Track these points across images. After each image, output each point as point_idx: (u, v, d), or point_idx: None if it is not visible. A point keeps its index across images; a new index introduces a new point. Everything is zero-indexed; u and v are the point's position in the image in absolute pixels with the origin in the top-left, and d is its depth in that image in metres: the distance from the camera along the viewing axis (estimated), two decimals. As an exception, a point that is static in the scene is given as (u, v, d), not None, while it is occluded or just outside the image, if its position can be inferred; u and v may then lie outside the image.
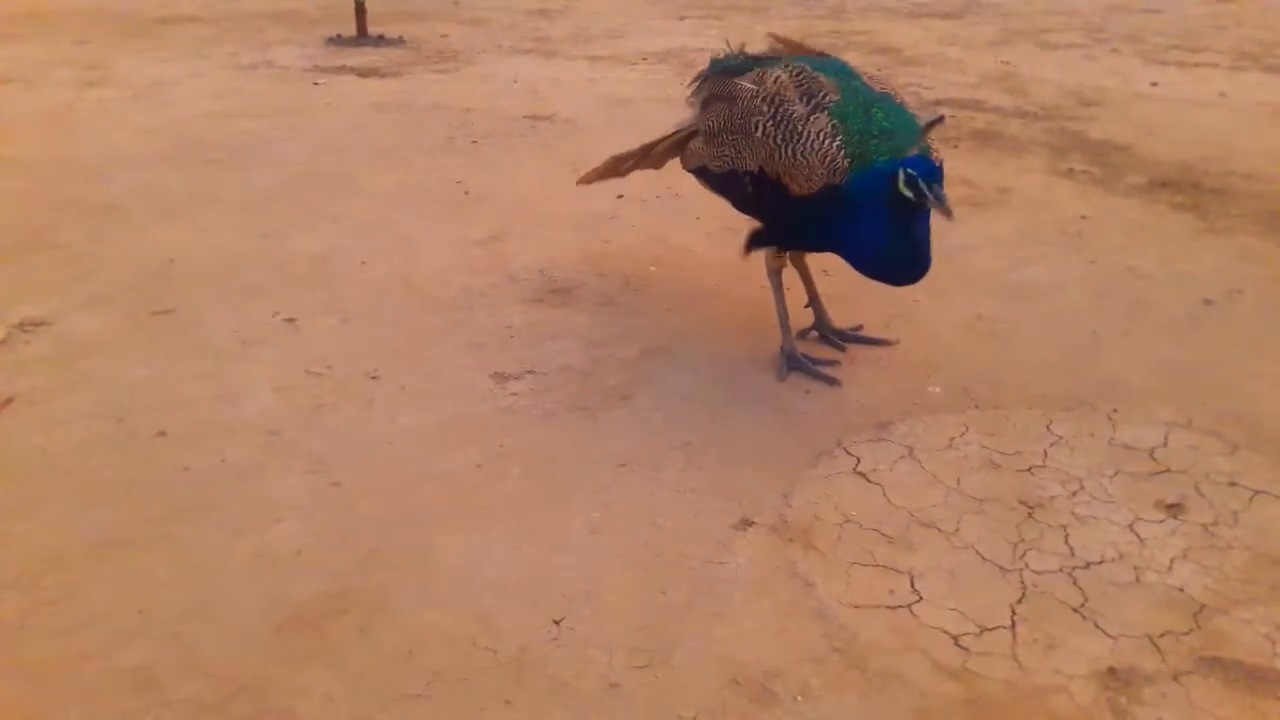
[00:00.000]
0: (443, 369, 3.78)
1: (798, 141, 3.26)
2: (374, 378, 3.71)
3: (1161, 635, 2.51)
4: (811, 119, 3.25)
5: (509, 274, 4.63)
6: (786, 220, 3.52)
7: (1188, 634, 2.52)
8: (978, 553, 2.82)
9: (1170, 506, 3.00)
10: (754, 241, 3.74)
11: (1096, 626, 2.55)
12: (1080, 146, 6.64)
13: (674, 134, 4.04)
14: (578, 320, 4.20)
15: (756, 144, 3.40)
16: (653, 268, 4.71)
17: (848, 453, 3.29)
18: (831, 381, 3.69)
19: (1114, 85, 8.18)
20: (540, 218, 5.33)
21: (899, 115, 3.34)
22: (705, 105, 3.81)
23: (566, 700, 2.33)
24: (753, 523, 2.95)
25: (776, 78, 3.42)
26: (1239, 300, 4.37)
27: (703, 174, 3.87)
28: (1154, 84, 8.09)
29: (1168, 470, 3.16)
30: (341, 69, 8.55)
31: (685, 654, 2.46)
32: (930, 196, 2.96)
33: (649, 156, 4.19)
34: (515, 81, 8.24)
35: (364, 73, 8.43)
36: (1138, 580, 2.71)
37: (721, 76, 3.75)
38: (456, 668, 2.42)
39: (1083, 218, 5.36)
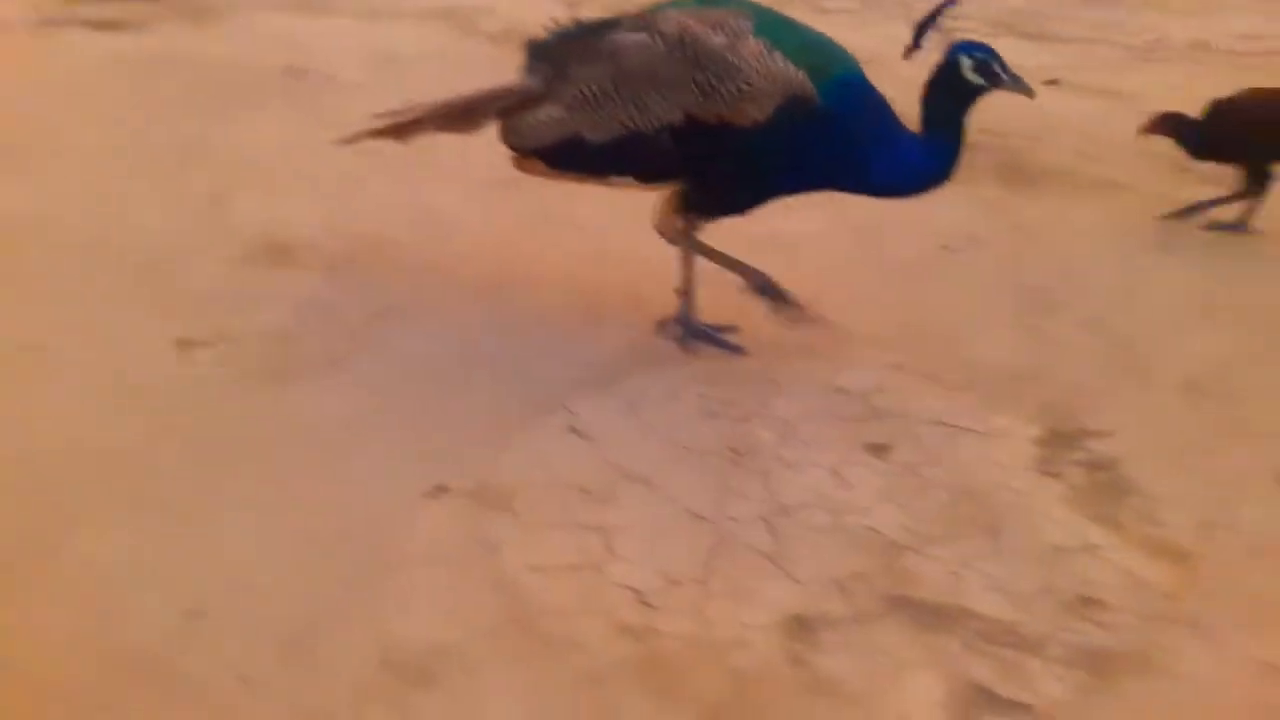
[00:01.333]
0: (121, 337, 3.38)
1: (734, 72, 2.92)
2: (38, 349, 3.27)
3: (851, 578, 2.45)
4: (739, 44, 2.94)
5: (227, 234, 4.21)
6: (737, 165, 3.10)
7: (876, 575, 2.47)
8: (681, 504, 2.70)
9: (877, 448, 2.96)
10: (688, 207, 3.31)
11: (787, 574, 2.46)
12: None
13: (496, 93, 3.40)
14: (299, 283, 3.85)
15: (674, 92, 3.00)
16: (396, 229, 4.39)
17: (569, 410, 3.11)
18: (736, 350, 3.46)
19: (885, 50, 8.33)
20: (278, 176, 4.91)
21: (807, 30, 3.09)
22: (564, 72, 3.23)
23: (192, 701, 2.06)
24: (448, 489, 2.73)
25: (670, 19, 3.04)
26: (973, 248, 4.44)
27: (563, 150, 3.27)
28: (916, 48, 8.29)
29: (880, 413, 3.13)
30: (75, 21, 7.74)
31: (339, 639, 2.23)
32: (1007, 76, 2.83)
33: (462, 118, 3.46)
34: (274, 36, 7.67)
35: (101, 26, 7.66)
36: (835, 524, 2.65)
37: (581, 38, 3.27)
38: (69, 672, 2.10)
39: (838, 171, 5.37)
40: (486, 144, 3.53)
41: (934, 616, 2.35)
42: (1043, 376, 3.35)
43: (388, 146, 4.13)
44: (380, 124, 3.58)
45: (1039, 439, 3.00)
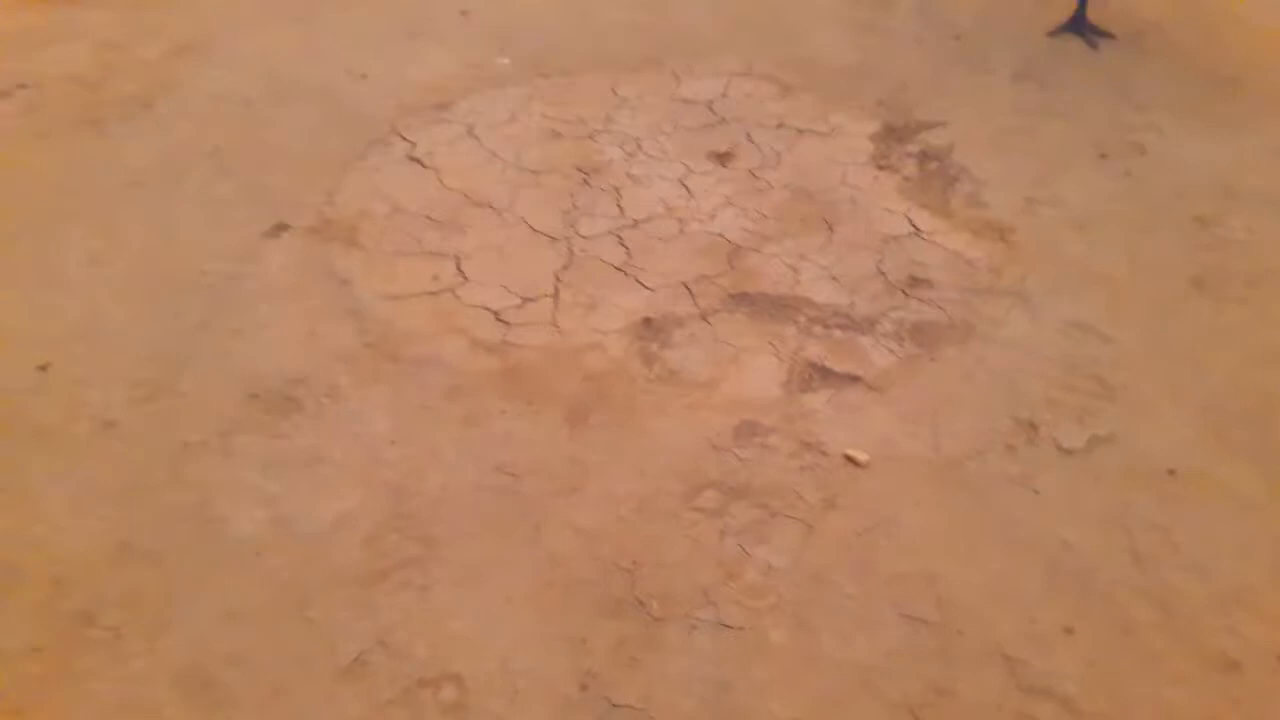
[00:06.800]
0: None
1: None
2: None
3: (697, 280, 2.55)
4: None
5: (-1, -30, 3.75)
6: None
7: (720, 275, 2.57)
8: (529, 226, 2.71)
9: (721, 156, 2.99)
10: None
11: (637, 281, 2.54)
12: None
13: None
14: (90, 19, 3.51)
15: None
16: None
17: (403, 138, 3.02)
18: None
19: None
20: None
21: None
22: None
23: (51, 449, 2.05)
24: (288, 227, 2.66)
25: None
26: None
27: None
28: None
29: (723, 121, 3.14)
30: None
31: (196, 377, 2.22)
32: None
33: None
34: None
35: None
36: (681, 231, 2.71)
37: None
38: (-89, 437, 2.06)
39: None
40: None
41: (773, 308, 2.48)
42: (879, 72, 3.39)
43: None
44: None
45: (875, 134, 3.08)
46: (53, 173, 2.81)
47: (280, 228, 2.65)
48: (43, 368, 2.22)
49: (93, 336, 2.31)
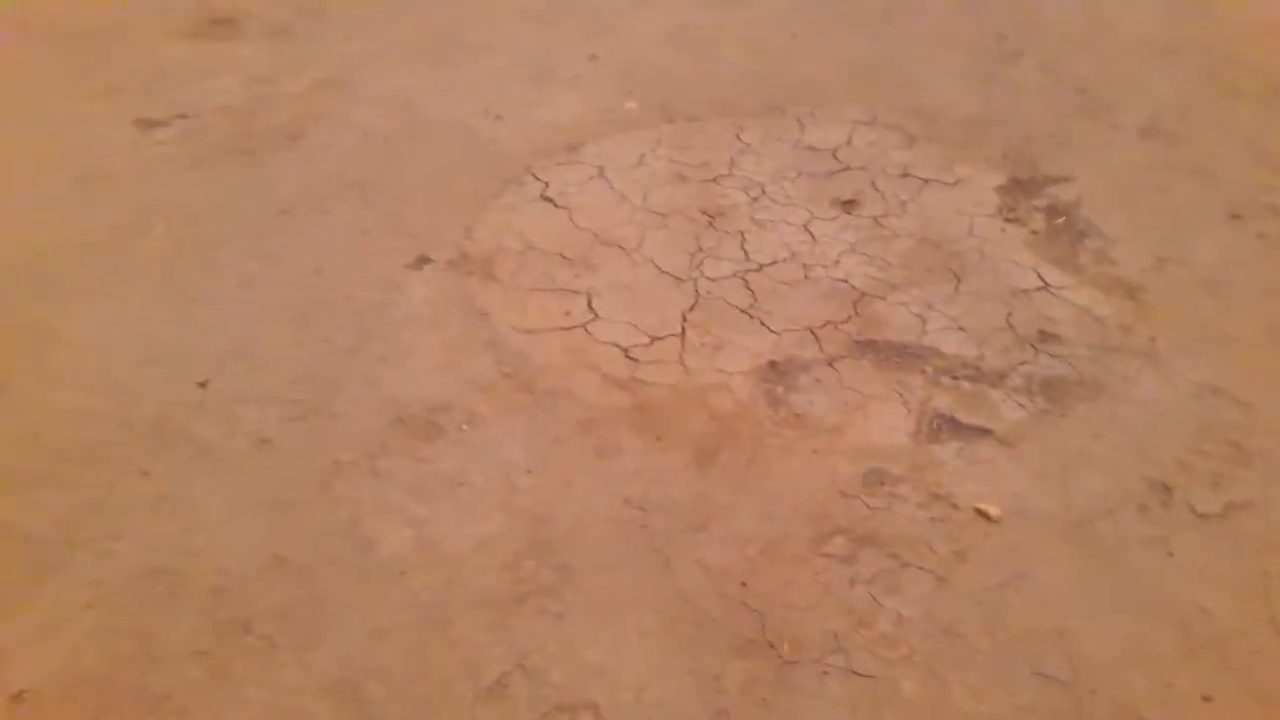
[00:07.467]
0: (74, 120, 3.28)
1: None
2: (-13, 138, 3.18)
3: (822, 326, 2.58)
4: None
5: (159, 3, 4.01)
6: None
7: (846, 322, 2.60)
8: (656, 266, 2.78)
9: (845, 203, 3.03)
10: None
11: (762, 324, 2.59)
12: None
13: None
14: (242, 53, 3.72)
15: None
16: (335, -8, 4.20)
17: (537, 178, 3.13)
18: None
19: None
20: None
21: None
22: None
23: (211, 463, 2.17)
24: (430, 260, 2.78)
25: None
26: (934, -7, 4.35)
27: None
28: None
29: (847, 168, 3.19)
30: None
31: (346, 400, 2.33)
32: None
33: None
34: None
35: None
36: (806, 277, 2.75)
37: None
38: (85, 445, 2.20)
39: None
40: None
41: (900, 356, 2.50)
42: (1004, 123, 3.40)
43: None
44: None
45: (1001, 187, 3.09)
46: (208, 198, 2.99)
47: (422, 260, 2.77)
48: (202, 385, 2.35)
49: (248, 356, 2.44)
